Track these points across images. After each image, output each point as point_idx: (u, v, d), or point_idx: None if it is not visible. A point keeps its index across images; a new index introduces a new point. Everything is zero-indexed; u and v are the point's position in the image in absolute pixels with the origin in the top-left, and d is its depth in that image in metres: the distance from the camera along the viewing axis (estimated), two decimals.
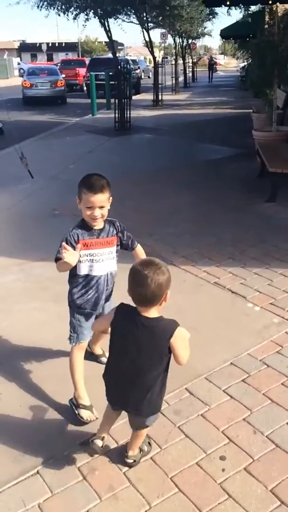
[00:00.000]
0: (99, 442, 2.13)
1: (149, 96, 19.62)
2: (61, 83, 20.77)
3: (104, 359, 2.66)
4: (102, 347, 2.87)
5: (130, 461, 2.15)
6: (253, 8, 20.44)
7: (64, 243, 2.22)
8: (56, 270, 2.36)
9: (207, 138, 10.69)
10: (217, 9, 25.06)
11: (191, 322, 3.18)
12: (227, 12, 22.58)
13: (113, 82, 14.10)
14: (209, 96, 22.49)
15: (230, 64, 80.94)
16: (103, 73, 17.48)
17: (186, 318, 3.29)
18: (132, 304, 1.92)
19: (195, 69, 36.70)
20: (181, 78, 27.51)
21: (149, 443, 2.26)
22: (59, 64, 31.06)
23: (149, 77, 31.75)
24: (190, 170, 7.83)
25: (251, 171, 7.47)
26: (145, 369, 1.91)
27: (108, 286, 2.48)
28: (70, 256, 2.19)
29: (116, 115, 12.24)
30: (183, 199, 6.15)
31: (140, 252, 2.60)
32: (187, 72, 30.94)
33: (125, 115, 12.28)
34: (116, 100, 12.26)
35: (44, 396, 2.63)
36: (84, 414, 2.42)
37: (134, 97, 21.37)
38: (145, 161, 8.67)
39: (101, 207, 2.30)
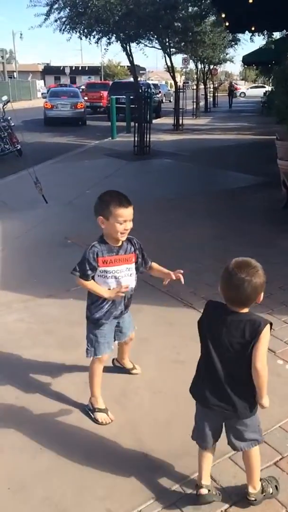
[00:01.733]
0: (204, 491, 1.99)
1: (169, 120, 19.51)
2: (81, 105, 20.99)
3: (136, 371, 2.94)
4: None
5: (252, 499, 1.98)
6: (276, 35, 20.41)
7: (123, 286, 2.40)
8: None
9: (229, 164, 10.36)
10: (240, 36, 25.16)
11: None
12: (250, 38, 22.52)
13: (133, 106, 13.99)
14: (230, 121, 22.31)
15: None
16: (124, 96, 17.47)
17: None
18: None
19: (216, 94, 36.78)
20: (201, 103, 27.48)
21: (276, 486, 2.05)
22: (83, 87, 31.58)
23: (170, 101, 31.85)
24: (211, 199, 7.47)
25: (276, 202, 7.08)
26: (242, 367, 1.84)
27: (126, 301, 2.57)
28: (112, 293, 2.41)
29: (136, 138, 12.04)
30: (203, 231, 5.77)
31: (156, 265, 2.67)
32: (208, 97, 30.96)
33: (145, 139, 12.06)
34: (136, 124, 12.07)
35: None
36: (100, 416, 2.54)
37: (154, 121, 21.41)
38: (164, 188, 8.35)
39: (131, 220, 2.37)
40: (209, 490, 2.01)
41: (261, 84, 57.51)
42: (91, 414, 2.57)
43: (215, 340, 1.88)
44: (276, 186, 7.84)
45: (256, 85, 56.18)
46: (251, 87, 55.57)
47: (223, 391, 1.88)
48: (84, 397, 2.71)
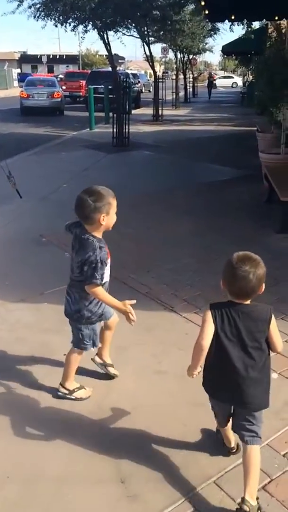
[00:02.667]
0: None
1: (149, 111, 19.22)
2: (58, 94, 20.57)
3: (114, 371, 2.83)
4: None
5: (246, 509, 1.83)
6: (256, 25, 20.24)
7: (132, 311, 2.41)
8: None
9: (209, 157, 10.18)
10: (219, 25, 24.93)
11: (196, 394, 2.59)
12: (230, 28, 22.31)
13: (112, 96, 13.67)
14: (210, 112, 22.13)
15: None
16: (102, 86, 17.11)
17: (189, 387, 2.72)
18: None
19: (195, 85, 36.53)
20: (181, 93, 27.22)
21: None
22: (60, 76, 30.98)
23: (149, 91, 31.45)
24: (191, 193, 7.29)
25: (258, 195, 6.92)
26: (256, 358, 1.92)
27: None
28: (126, 308, 2.42)
29: (115, 130, 11.75)
30: (184, 227, 5.59)
31: None
32: (188, 87, 30.70)
33: (124, 131, 11.79)
34: (115, 115, 11.78)
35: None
36: (82, 393, 2.63)
37: (133, 111, 21.06)
38: (143, 182, 8.12)
39: None
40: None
41: (229, 75, 57.33)
42: (71, 397, 2.61)
43: (231, 336, 1.92)
44: (257, 179, 7.70)
45: (224, 75, 55.79)
46: (220, 78, 55.19)
47: (239, 387, 1.94)
48: (61, 409, 2.52)
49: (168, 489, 2.07)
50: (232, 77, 57.01)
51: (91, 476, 2.16)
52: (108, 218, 2.39)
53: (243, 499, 1.87)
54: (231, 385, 1.95)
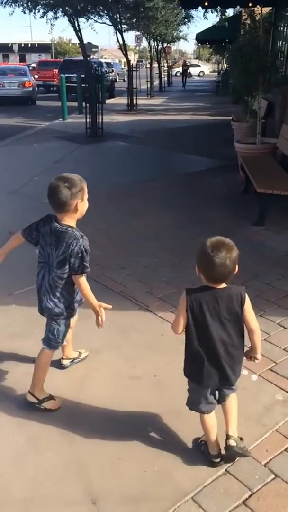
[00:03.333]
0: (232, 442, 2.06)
1: (123, 100, 18.90)
2: (30, 83, 20.06)
3: (84, 354, 2.87)
4: None
5: (233, 443, 2.03)
6: (229, 12, 20.07)
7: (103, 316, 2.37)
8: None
9: (185, 147, 10.02)
10: (193, 13, 24.70)
11: (173, 402, 2.46)
12: (204, 15, 22.11)
13: (85, 85, 13.33)
14: (185, 101, 21.93)
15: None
16: (75, 75, 16.71)
17: (165, 395, 2.59)
18: None
19: (170, 73, 36.21)
20: (156, 82, 26.93)
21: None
22: (33, 65, 30.23)
23: (124, 80, 31.01)
24: (167, 184, 7.13)
25: (234, 186, 6.82)
26: (235, 338, 2.01)
27: None
28: (99, 307, 2.38)
29: (88, 120, 11.46)
30: (160, 220, 5.43)
31: None
32: (162, 76, 30.40)
33: (97, 121, 11.51)
34: (88, 105, 11.48)
35: None
36: (51, 404, 2.47)
37: (108, 101, 20.75)
38: (118, 173, 7.91)
39: None
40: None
41: (196, 63, 56.61)
42: (40, 406, 2.46)
43: (212, 320, 1.97)
44: (234, 169, 7.59)
45: (191, 64, 54.89)
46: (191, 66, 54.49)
47: (221, 367, 2.02)
48: (28, 422, 2.35)
49: (142, 509, 1.93)
50: (199, 66, 56.40)
51: (61, 497, 2.00)
52: (83, 205, 2.35)
53: (227, 435, 2.06)
54: (217, 367, 2.02)
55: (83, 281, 2.34)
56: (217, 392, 2.12)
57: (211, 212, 5.72)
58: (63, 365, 2.78)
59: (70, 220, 2.35)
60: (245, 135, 8.05)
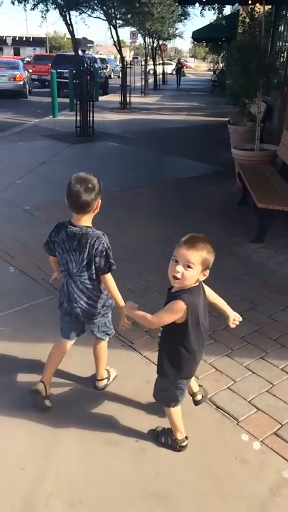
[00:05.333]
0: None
1: (117, 98, 18.36)
2: (21, 77, 19.56)
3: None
4: None
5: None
6: (227, 11, 19.61)
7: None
8: None
9: (179, 150, 9.55)
10: (190, 10, 24.20)
11: (155, 481, 1.99)
12: (201, 13, 21.65)
13: (76, 81, 12.80)
14: (180, 100, 21.46)
15: (200, 68, 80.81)
16: (67, 70, 16.18)
17: (148, 468, 2.09)
18: None
19: (165, 71, 35.65)
20: (151, 80, 26.41)
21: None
22: (27, 59, 29.63)
23: (118, 77, 30.42)
24: (158, 191, 6.65)
25: (230, 195, 6.37)
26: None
27: None
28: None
29: (78, 118, 10.95)
30: (149, 234, 4.94)
31: None
32: (157, 74, 29.88)
33: (88, 119, 10.99)
34: (79, 102, 10.97)
35: None
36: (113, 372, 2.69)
37: (101, 98, 20.20)
38: (107, 177, 7.34)
39: None
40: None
41: (169, 61, 55.03)
42: (109, 382, 2.65)
43: (204, 314, 2.04)
44: (230, 176, 7.16)
45: (165, 61, 53.20)
46: (159, 64, 52.33)
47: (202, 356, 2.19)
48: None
49: None
50: (171, 64, 54.50)
51: None
52: (99, 204, 2.35)
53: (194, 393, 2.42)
54: (200, 357, 2.14)
55: (110, 279, 2.33)
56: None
57: (205, 225, 5.23)
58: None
59: (88, 221, 2.32)
60: (243, 139, 7.61)
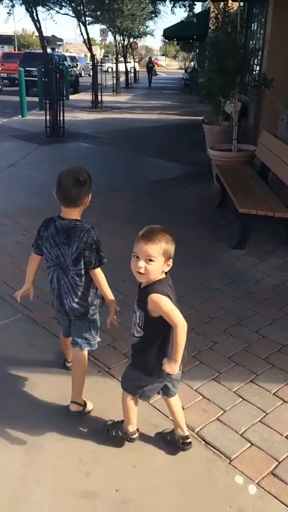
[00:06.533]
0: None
1: (88, 96, 17.98)
2: None
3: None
4: None
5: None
6: (198, 8, 19.49)
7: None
8: None
9: (154, 150, 9.29)
10: (160, 7, 24.00)
11: None
12: (171, 10, 21.47)
13: (45, 79, 12.39)
14: (153, 99, 21.22)
15: (171, 66, 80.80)
16: (35, 68, 15.72)
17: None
18: None
19: (136, 70, 35.36)
20: (122, 78, 26.07)
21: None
22: None
23: (89, 75, 30.02)
24: (133, 195, 6.36)
25: (208, 198, 6.14)
26: None
27: None
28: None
29: (48, 117, 10.56)
30: (124, 241, 4.58)
31: None
32: (129, 72, 29.55)
33: (58, 119, 10.62)
34: (48, 101, 10.57)
35: None
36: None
37: (71, 97, 19.77)
38: None
39: None
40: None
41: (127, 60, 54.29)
42: (85, 412, 2.44)
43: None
44: (207, 177, 6.95)
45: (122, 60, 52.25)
46: (114, 62, 51.59)
47: None
48: None
49: None
50: (130, 62, 53.47)
51: None
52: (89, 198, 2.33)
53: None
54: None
55: (100, 273, 2.28)
56: None
57: (183, 230, 4.96)
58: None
59: (77, 215, 2.30)
60: (218, 139, 7.39)
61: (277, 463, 2.12)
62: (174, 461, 2.13)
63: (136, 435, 2.18)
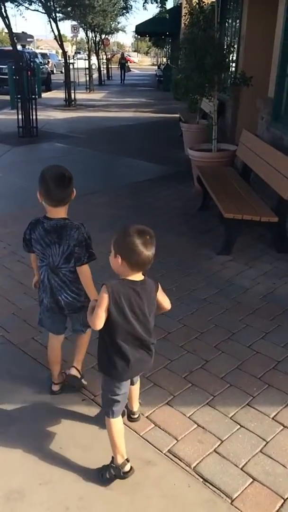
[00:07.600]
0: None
1: (61, 94, 17.58)
2: None
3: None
4: None
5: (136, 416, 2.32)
6: (169, 4, 19.29)
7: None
8: None
9: (130, 150, 9.06)
10: (132, 3, 23.71)
11: None
12: (143, 6, 21.20)
13: (16, 77, 12.00)
14: (127, 96, 20.94)
15: (144, 62, 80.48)
16: (5, 66, 15.27)
17: None
18: None
19: (109, 66, 34.97)
20: (95, 75, 25.70)
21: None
22: None
23: (61, 72, 29.51)
24: (111, 199, 6.13)
25: (189, 200, 5.97)
26: (152, 324, 2.00)
27: None
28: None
29: (20, 117, 10.20)
30: (101, 248, 4.42)
31: None
32: (102, 69, 29.17)
33: (31, 118, 10.27)
34: (20, 100, 10.22)
35: None
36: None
37: (44, 95, 19.34)
38: None
39: None
40: None
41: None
42: (81, 381, 2.55)
43: (137, 313, 1.90)
44: (186, 178, 6.77)
45: (82, 56, 50.74)
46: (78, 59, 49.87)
47: (146, 356, 2.02)
48: None
49: None
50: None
51: None
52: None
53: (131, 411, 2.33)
54: (140, 357, 1.96)
55: (87, 270, 2.28)
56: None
57: (165, 235, 4.77)
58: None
59: (65, 213, 2.29)
60: (197, 139, 7.22)
61: (282, 500, 1.95)
62: (171, 505, 1.93)
63: (127, 468, 2.01)
